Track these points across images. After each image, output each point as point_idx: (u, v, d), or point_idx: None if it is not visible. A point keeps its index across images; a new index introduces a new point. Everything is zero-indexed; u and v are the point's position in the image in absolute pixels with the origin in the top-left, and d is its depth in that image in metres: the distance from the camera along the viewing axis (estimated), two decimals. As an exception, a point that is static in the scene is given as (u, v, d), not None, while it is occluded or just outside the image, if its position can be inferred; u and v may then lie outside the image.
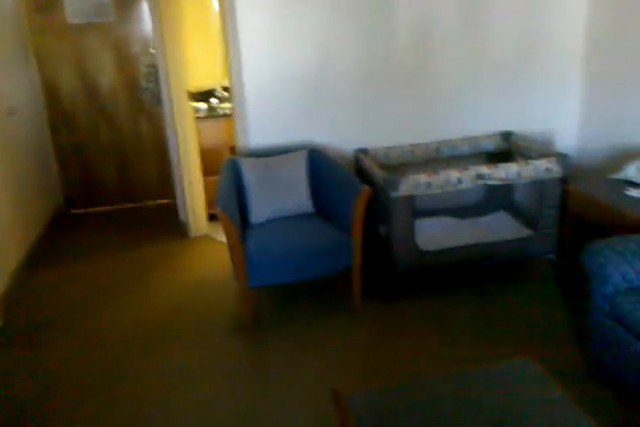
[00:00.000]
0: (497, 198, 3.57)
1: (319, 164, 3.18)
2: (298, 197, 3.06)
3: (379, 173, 2.97)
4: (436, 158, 3.52)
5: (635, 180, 2.85)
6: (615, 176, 2.95)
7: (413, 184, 2.88)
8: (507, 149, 3.55)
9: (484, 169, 2.97)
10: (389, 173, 2.96)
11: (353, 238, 2.82)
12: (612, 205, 2.65)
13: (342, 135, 3.44)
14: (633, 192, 2.75)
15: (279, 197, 3.03)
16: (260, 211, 3.01)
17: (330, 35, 3.26)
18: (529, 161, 3.03)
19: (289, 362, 2.64)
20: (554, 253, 3.15)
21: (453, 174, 2.93)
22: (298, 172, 3.08)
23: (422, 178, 2.89)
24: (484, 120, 3.59)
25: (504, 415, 1.55)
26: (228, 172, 3.08)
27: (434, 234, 3.20)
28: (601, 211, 2.72)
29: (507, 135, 3.55)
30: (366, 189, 2.77)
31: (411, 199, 2.91)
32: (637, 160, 2.92)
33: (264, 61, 3.23)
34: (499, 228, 3.29)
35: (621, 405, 2.25)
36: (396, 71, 3.40)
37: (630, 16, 3.18)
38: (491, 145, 3.57)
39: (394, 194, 2.86)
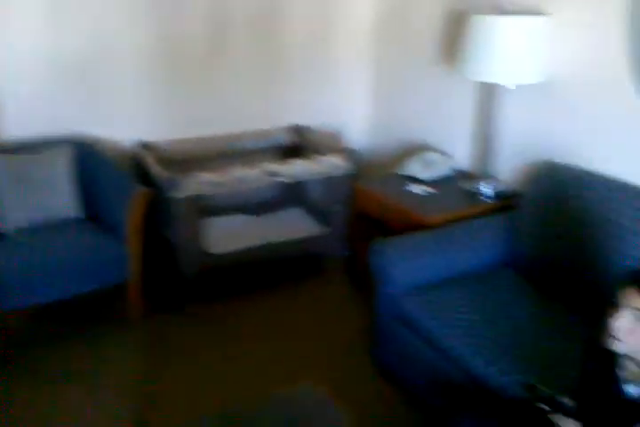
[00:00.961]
0: (292, 194, 3.47)
1: (88, 160, 2.76)
2: (60, 201, 2.62)
3: (159, 172, 2.67)
4: (227, 152, 3.30)
5: (415, 175, 2.92)
6: (398, 172, 3.01)
7: (198, 183, 2.64)
8: (298, 144, 3.46)
9: (274, 166, 2.83)
10: (172, 171, 2.68)
11: (129, 247, 2.49)
12: (393, 202, 2.68)
13: (121, 126, 3.05)
14: (413, 188, 2.81)
15: (36, 200, 2.56)
16: (11, 218, 2.52)
17: (108, 11, 2.83)
18: (318, 157, 2.96)
19: (40, 404, 2.22)
20: (345, 250, 3.14)
21: (242, 172, 2.75)
22: (60, 170, 2.63)
23: (208, 176, 2.66)
24: (276, 113, 3.46)
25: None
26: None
27: (224, 235, 2.99)
28: (382, 208, 2.73)
29: (298, 129, 3.46)
30: (141, 191, 2.46)
31: (196, 199, 2.66)
32: (417, 155, 3.01)
33: (25, 39, 2.71)
34: (292, 225, 3.20)
35: (409, 405, 2.26)
36: (184, 57, 3.09)
37: (410, 9, 3.26)
38: (282, 139, 3.46)
39: (175, 194, 2.59)
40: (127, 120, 3.06)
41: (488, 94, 2.70)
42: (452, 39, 2.87)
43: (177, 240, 2.66)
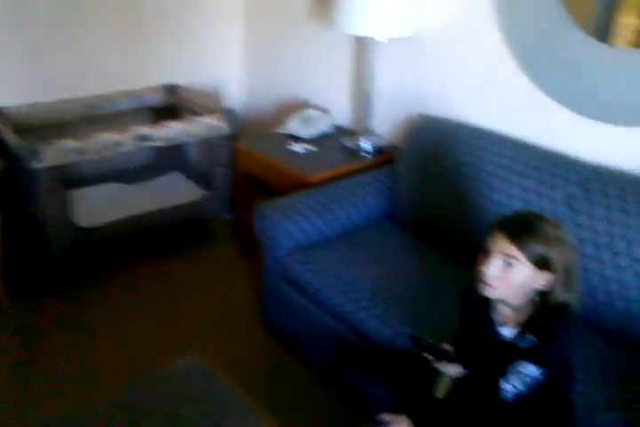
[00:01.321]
0: (169, 158, 3.29)
1: None
2: None
3: (14, 140, 2.41)
4: (93, 115, 3.04)
5: (296, 133, 2.86)
6: (279, 131, 2.93)
7: (61, 151, 2.41)
8: (173, 104, 3.26)
9: (147, 129, 2.65)
10: (30, 139, 2.43)
11: (-15, 225, 2.25)
12: (274, 162, 2.61)
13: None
14: (295, 147, 2.75)
15: None
16: None
17: None
18: (195, 118, 2.81)
19: None
20: (229, 213, 3.05)
21: (110, 137, 2.55)
22: None
23: (71, 143, 2.44)
24: (148, 71, 3.22)
25: None
26: None
27: (96, 206, 2.79)
28: (264, 168, 2.66)
29: (172, 88, 3.26)
30: (-6, 162, 2.22)
31: (60, 169, 2.44)
32: (297, 113, 2.94)
33: None
34: (171, 191, 3.05)
35: (304, 366, 2.27)
36: (40, 9, 2.76)
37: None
38: (155, 99, 3.24)
39: (36, 165, 2.36)
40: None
41: (361, 48, 2.67)
42: (324, -9, 2.79)
43: (41, 216, 2.44)
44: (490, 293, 1.43)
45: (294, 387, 2.18)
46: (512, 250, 1.37)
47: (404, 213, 2.40)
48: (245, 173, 2.81)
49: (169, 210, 2.83)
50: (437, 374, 1.56)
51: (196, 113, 3.00)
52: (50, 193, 2.42)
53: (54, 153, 2.39)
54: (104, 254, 2.85)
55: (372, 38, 2.49)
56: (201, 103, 3.07)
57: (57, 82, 2.93)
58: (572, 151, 2.09)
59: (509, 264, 1.38)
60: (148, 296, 2.65)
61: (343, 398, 2.12)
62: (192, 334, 2.43)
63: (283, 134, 2.88)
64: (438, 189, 2.27)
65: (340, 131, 2.91)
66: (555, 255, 1.37)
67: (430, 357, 1.52)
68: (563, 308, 1.41)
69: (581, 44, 1.96)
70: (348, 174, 2.50)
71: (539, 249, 1.36)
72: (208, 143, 2.90)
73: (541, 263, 1.38)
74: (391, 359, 1.83)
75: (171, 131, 2.71)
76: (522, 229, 1.38)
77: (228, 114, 2.87)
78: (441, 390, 1.57)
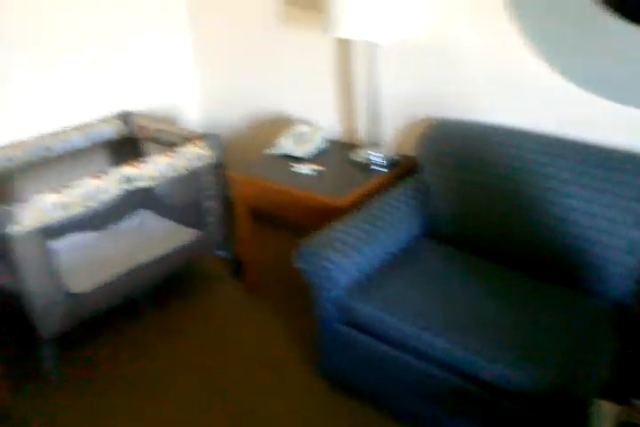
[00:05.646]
0: (134, 195, 2.88)
1: None
2: None
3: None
4: (47, 159, 2.59)
5: (292, 153, 2.57)
6: (271, 152, 2.63)
7: (41, 209, 1.97)
8: (130, 135, 2.85)
9: (130, 169, 2.25)
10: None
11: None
12: (285, 188, 2.29)
13: None
14: (300, 168, 2.47)
15: None
16: None
17: None
18: (177, 149, 2.44)
19: None
20: (225, 249, 2.70)
21: (92, 183, 2.13)
22: None
23: (52, 197, 2.01)
24: (96, 99, 2.80)
25: None
26: None
27: (78, 266, 2.35)
28: (271, 196, 2.35)
29: (126, 116, 2.85)
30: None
31: (44, 231, 2.00)
32: (288, 131, 2.65)
33: None
34: (151, 232, 2.66)
35: (379, 415, 2.00)
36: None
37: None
38: (110, 131, 2.81)
39: (15, 230, 1.91)
40: None
41: (349, 52, 2.43)
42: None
43: (25, 289, 1.99)
44: None
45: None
46: None
47: (444, 227, 2.21)
48: (245, 202, 2.49)
49: (163, 258, 2.44)
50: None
51: (161, 142, 2.63)
52: (34, 262, 1.97)
53: (34, 212, 1.95)
54: (103, 319, 2.43)
55: (372, 42, 2.26)
56: (166, 130, 2.69)
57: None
58: (613, 142, 2.00)
59: None
60: (166, 360, 2.27)
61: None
62: (248, 394, 2.10)
63: (276, 155, 2.59)
64: (480, 197, 2.09)
65: (338, 145, 2.66)
66: None
67: None
68: None
69: (616, 28, 1.85)
70: (372, 193, 2.27)
71: None
72: (192, 176, 2.53)
73: None
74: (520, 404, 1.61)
75: (155, 167, 2.33)
76: None
77: (213, 140, 2.53)
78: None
